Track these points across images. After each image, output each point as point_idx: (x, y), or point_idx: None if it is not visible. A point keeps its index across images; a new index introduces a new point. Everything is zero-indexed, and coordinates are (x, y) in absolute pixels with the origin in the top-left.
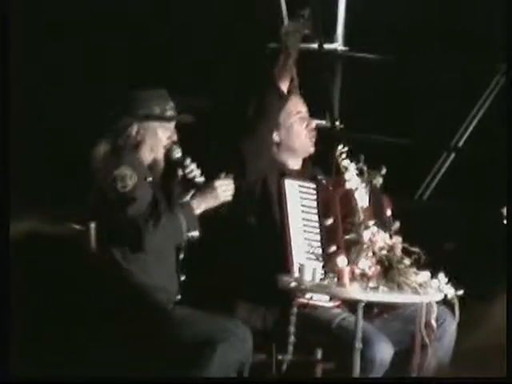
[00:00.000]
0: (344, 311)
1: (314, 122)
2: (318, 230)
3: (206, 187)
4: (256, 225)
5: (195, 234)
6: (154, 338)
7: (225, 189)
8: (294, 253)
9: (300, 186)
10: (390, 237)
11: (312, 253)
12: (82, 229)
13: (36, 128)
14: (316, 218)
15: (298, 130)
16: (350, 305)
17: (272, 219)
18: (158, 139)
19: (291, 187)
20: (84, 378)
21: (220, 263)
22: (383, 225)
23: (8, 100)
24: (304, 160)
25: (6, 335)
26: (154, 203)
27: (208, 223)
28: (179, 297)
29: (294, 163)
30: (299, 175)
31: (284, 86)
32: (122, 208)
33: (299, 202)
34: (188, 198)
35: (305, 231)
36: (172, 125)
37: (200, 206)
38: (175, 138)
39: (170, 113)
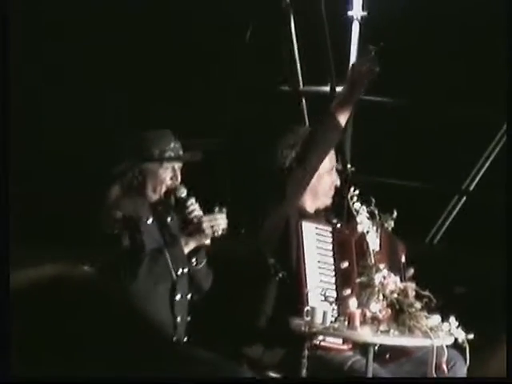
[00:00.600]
0: (356, 354)
1: (338, 180)
2: (334, 273)
3: (193, 223)
4: (273, 265)
5: (186, 269)
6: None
7: (213, 224)
8: (309, 295)
9: (317, 228)
10: (404, 281)
11: (327, 295)
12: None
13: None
14: (332, 260)
15: (326, 181)
16: (363, 348)
17: (289, 260)
18: (160, 180)
19: (308, 230)
20: (84, 378)
21: (231, 304)
22: (397, 270)
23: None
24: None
25: (6, 335)
26: (142, 245)
27: (220, 262)
28: (175, 338)
29: (312, 207)
30: (315, 218)
31: (343, 120)
32: (107, 249)
33: (316, 244)
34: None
35: (320, 273)
36: (176, 165)
37: (188, 242)
38: (179, 178)
39: (169, 154)
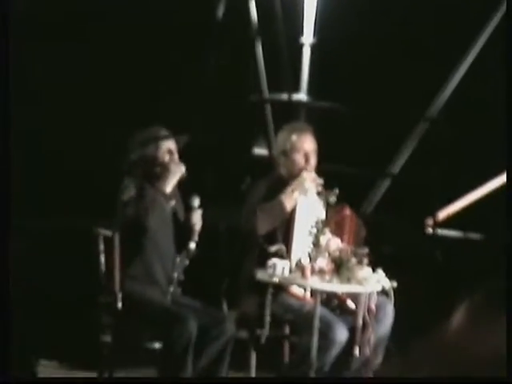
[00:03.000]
0: (310, 302)
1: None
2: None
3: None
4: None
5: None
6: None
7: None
8: (293, 253)
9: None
10: (342, 241)
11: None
12: (109, 235)
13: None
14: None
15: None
16: (315, 297)
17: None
18: (162, 152)
19: (301, 203)
20: (84, 378)
21: (216, 263)
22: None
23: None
24: None
25: (6, 335)
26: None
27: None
28: (172, 289)
29: None
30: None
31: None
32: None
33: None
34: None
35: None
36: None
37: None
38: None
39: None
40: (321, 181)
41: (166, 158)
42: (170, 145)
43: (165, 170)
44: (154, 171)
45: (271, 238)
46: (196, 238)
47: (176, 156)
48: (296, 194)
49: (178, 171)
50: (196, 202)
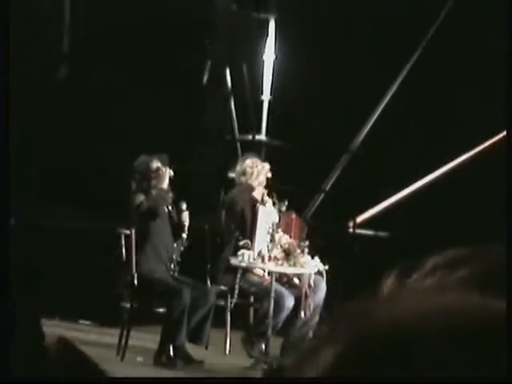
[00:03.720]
0: (267, 279)
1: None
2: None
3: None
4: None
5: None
6: None
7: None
8: (255, 246)
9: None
10: (290, 237)
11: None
12: (129, 233)
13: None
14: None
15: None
16: (271, 276)
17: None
18: (162, 178)
19: (262, 211)
20: (84, 378)
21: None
22: (289, 232)
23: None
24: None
25: (6, 335)
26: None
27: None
28: (172, 266)
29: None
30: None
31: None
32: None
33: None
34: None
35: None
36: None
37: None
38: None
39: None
40: (274, 196)
41: (157, 169)
42: (156, 163)
43: (158, 175)
44: (152, 178)
45: (241, 236)
46: (186, 231)
47: (163, 169)
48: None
49: (166, 174)
50: (184, 205)
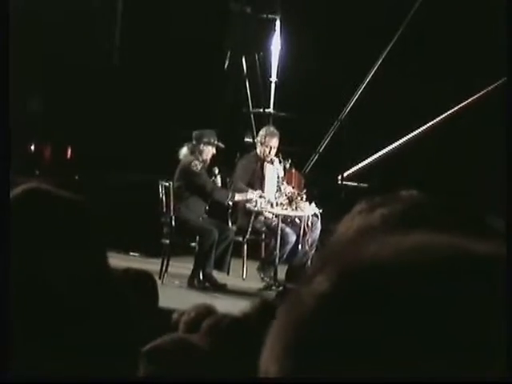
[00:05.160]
0: (275, 220)
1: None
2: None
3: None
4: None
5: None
6: None
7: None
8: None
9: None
10: (293, 188)
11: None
12: (167, 184)
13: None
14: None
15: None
16: (278, 218)
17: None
18: (211, 152)
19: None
20: (84, 378)
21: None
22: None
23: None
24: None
25: (6, 335)
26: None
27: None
28: (205, 215)
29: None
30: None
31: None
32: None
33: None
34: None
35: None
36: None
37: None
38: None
39: (214, 141)
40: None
41: (208, 142)
42: (209, 137)
43: (203, 151)
44: (203, 148)
45: (254, 187)
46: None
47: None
48: None
49: (212, 147)
50: (216, 170)
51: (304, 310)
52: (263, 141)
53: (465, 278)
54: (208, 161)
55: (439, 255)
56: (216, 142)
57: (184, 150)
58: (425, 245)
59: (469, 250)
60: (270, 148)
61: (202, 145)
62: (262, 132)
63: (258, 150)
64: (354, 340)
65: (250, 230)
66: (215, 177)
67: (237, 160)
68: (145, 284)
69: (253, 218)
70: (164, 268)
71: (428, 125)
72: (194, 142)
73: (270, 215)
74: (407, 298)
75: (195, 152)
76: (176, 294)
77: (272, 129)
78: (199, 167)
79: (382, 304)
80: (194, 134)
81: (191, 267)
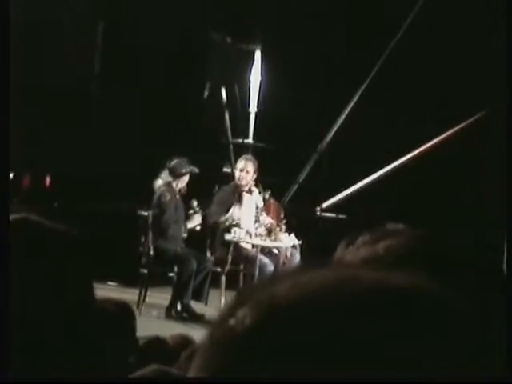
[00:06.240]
0: (253, 251)
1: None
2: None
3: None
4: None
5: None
6: None
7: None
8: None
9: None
10: (272, 218)
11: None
12: (145, 214)
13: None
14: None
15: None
16: (257, 248)
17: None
18: (185, 180)
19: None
20: (83, 378)
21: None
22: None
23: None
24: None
25: (6, 335)
26: (176, 209)
27: None
28: (183, 245)
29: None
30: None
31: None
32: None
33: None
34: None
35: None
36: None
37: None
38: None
39: (187, 171)
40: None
41: (185, 172)
42: (186, 168)
43: (177, 182)
44: (180, 177)
45: (232, 218)
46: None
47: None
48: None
49: (187, 176)
50: (195, 203)
51: (219, 353)
52: (240, 166)
53: (382, 313)
54: (184, 188)
55: (355, 290)
56: (188, 170)
57: (158, 182)
58: (340, 280)
59: (389, 284)
60: (247, 172)
61: (175, 177)
62: (239, 159)
63: (236, 177)
64: (271, 378)
65: (228, 260)
66: (194, 212)
67: (215, 191)
68: (123, 315)
69: (231, 248)
70: (142, 298)
71: (407, 157)
72: (167, 173)
73: (249, 246)
74: (323, 334)
75: (169, 184)
76: (154, 325)
77: (248, 155)
78: (167, 198)
79: (298, 341)
80: (168, 165)
81: (169, 297)
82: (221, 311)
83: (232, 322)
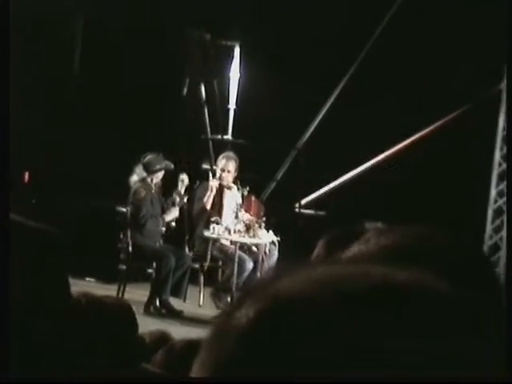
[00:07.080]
0: (232, 247)
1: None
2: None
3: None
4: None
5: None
6: None
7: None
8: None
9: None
10: (250, 215)
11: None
12: (123, 210)
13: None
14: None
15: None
16: (236, 245)
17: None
18: (160, 175)
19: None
20: (83, 378)
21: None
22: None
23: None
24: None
25: (6, 336)
26: (152, 204)
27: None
28: (161, 241)
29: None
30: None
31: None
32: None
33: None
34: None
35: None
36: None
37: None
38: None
39: (161, 167)
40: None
41: (159, 169)
42: (160, 164)
43: (152, 178)
44: (154, 173)
45: (212, 214)
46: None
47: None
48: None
49: (162, 171)
50: (177, 199)
51: (223, 345)
52: (221, 164)
53: (383, 308)
54: (160, 183)
55: (355, 286)
56: (163, 166)
57: (134, 177)
58: (339, 276)
59: (388, 280)
60: (228, 172)
61: (149, 173)
62: (220, 156)
63: (217, 176)
64: (272, 376)
65: (207, 256)
66: (173, 203)
67: (195, 187)
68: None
69: (210, 244)
70: (120, 294)
71: (386, 153)
72: (142, 169)
73: (228, 242)
74: (323, 331)
75: (143, 180)
76: None
77: (231, 154)
78: (142, 195)
79: (299, 338)
80: (142, 161)
81: (148, 293)
82: (226, 304)
83: (237, 315)
